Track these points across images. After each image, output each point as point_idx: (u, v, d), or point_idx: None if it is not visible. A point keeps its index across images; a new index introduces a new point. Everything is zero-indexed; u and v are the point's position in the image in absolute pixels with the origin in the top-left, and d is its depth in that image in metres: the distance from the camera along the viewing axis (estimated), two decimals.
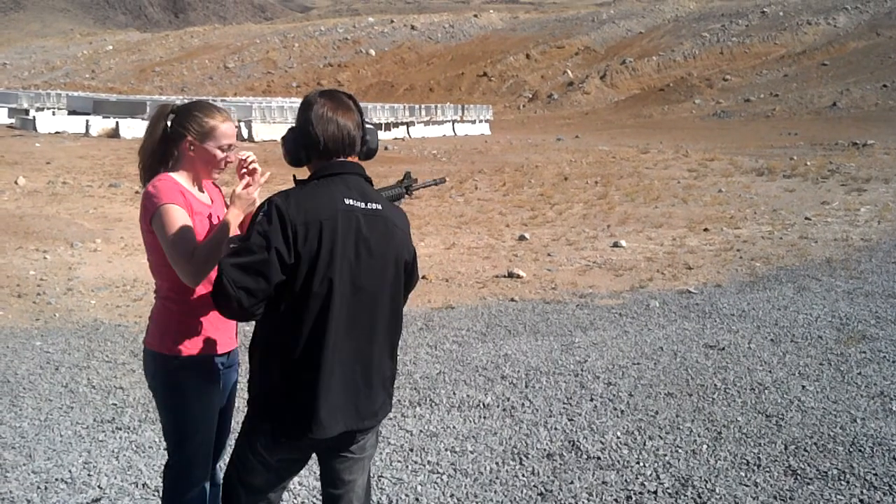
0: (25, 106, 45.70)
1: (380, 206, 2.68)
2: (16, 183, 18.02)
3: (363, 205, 2.63)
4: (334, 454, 2.77)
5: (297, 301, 2.56)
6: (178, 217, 2.88)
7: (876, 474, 4.52)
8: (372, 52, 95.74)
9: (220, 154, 3.03)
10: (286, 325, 2.58)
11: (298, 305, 2.56)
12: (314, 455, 2.85)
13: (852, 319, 7.78)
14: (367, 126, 2.75)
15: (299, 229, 2.52)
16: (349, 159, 2.71)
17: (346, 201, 2.61)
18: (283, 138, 2.75)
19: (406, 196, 3.36)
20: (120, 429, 5.13)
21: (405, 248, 2.75)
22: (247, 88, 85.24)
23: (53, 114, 43.85)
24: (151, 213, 2.89)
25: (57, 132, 36.85)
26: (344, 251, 2.57)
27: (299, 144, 2.69)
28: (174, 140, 3.03)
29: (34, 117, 40.16)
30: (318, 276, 2.54)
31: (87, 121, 37.37)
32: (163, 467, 3.14)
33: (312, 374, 2.58)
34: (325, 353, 2.57)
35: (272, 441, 2.66)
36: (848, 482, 4.43)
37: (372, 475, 4.45)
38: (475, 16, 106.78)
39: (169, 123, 3.05)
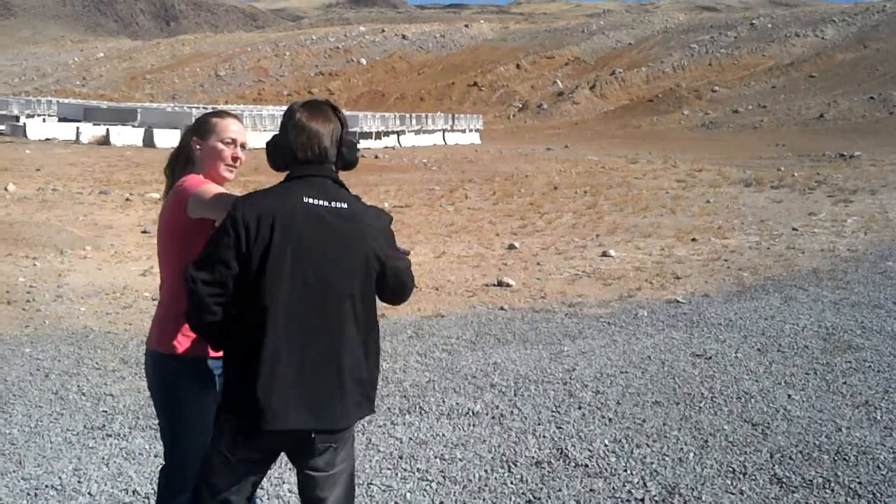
0: (16, 112, 45.64)
1: (346, 205, 2.67)
2: (5, 190, 17.99)
3: (326, 203, 2.65)
4: (302, 464, 2.74)
5: (251, 294, 2.60)
6: (213, 187, 3.02)
7: (860, 482, 4.57)
8: (363, 61, 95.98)
9: (222, 147, 3.13)
10: (243, 318, 2.62)
11: (253, 298, 2.60)
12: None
13: (838, 329, 7.85)
14: (347, 139, 2.76)
15: (251, 223, 2.58)
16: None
17: (306, 199, 2.63)
18: (265, 144, 2.81)
19: None
20: (110, 436, 5.14)
21: (377, 246, 2.70)
22: (238, 96, 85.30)
23: (44, 120, 43.83)
24: (186, 199, 2.98)
25: (47, 139, 36.83)
26: (299, 246, 2.59)
27: (276, 152, 2.76)
28: (187, 145, 3.19)
29: (24, 124, 40.17)
30: (271, 270, 2.57)
31: (78, 128, 37.35)
32: (156, 473, 3.17)
33: (265, 366, 2.58)
34: (278, 345, 2.59)
35: (233, 440, 2.68)
36: (833, 490, 4.48)
37: (361, 483, 4.48)
38: (466, 26, 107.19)
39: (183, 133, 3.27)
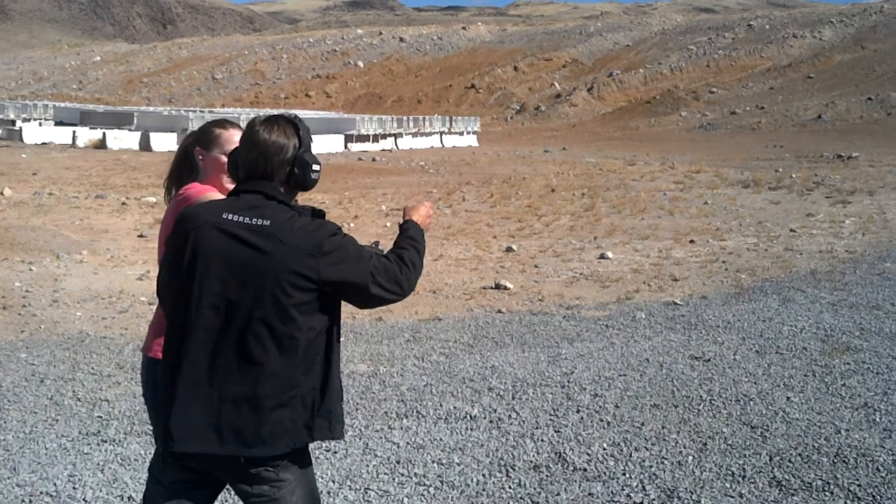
0: (12, 117, 45.54)
1: (267, 223, 2.53)
2: (1, 194, 17.95)
3: (246, 219, 2.54)
4: (239, 491, 2.63)
5: (170, 310, 2.58)
6: (216, 195, 3.03)
7: (860, 485, 4.55)
8: (360, 63, 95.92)
9: (225, 160, 3.09)
10: (168, 331, 2.60)
11: (171, 315, 2.57)
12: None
13: (837, 331, 7.83)
14: (302, 158, 2.64)
15: (176, 240, 2.59)
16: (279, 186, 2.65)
17: (224, 215, 2.56)
18: (228, 155, 2.78)
19: None
20: (105, 441, 5.11)
21: (298, 264, 2.50)
22: (235, 100, 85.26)
23: (40, 124, 43.73)
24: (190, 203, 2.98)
25: (44, 143, 36.75)
26: (209, 265, 2.52)
27: (233, 164, 2.71)
28: (189, 154, 3.23)
29: (21, 128, 40.06)
30: (185, 287, 2.53)
31: (74, 132, 37.30)
32: None
33: (172, 387, 2.53)
34: (184, 366, 2.52)
35: (162, 461, 2.62)
36: (832, 493, 4.46)
37: (358, 489, 4.45)
38: (464, 28, 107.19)
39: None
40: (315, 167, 2.67)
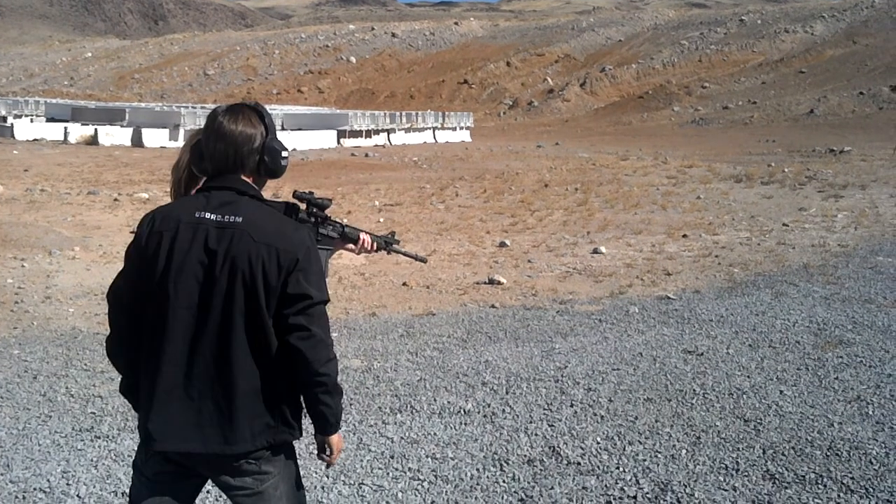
0: (3, 113, 45.37)
1: (240, 219, 2.51)
2: None
3: (218, 217, 2.51)
4: (221, 484, 2.62)
5: (148, 311, 2.54)
6: None
7: (853, 478, 4.57)
8: (353, 59, 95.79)
9: None
10: (145, 332, 2.56)
11: (148, 316, 2.54)
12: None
13: (829, 325, 7.86)
14: (271, 146, 2.62)
15: (148, 240, 2.54)
16: (247, 178, 2.63)
17: (197, 214, 2.53)
18: (191, 146, 2.72)
19: (384, 251, 3.40)
20: (99, 437, 5.10)
21: (262, 264, 2.47)
22: (227, 95, 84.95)
23: (31, 121, 43.61)
24: None
25: (35, 139, 36.65)
26: (184, 264, 2.49)
27: (196, 156, 2.66)
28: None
29: (12, 124, 39.95)
30: (159, 288, 2.50)
31: (66, 128, 37.18)
32: None
33: (152, 387, 2.52)
34: (162, 365, 2.50)
35: (144, 452, 2.61)
36: (825, 486, 4.48)
37: (352, 483, 4.45)
38: (456, 23, 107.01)
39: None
40: (284, 154, 2.65)
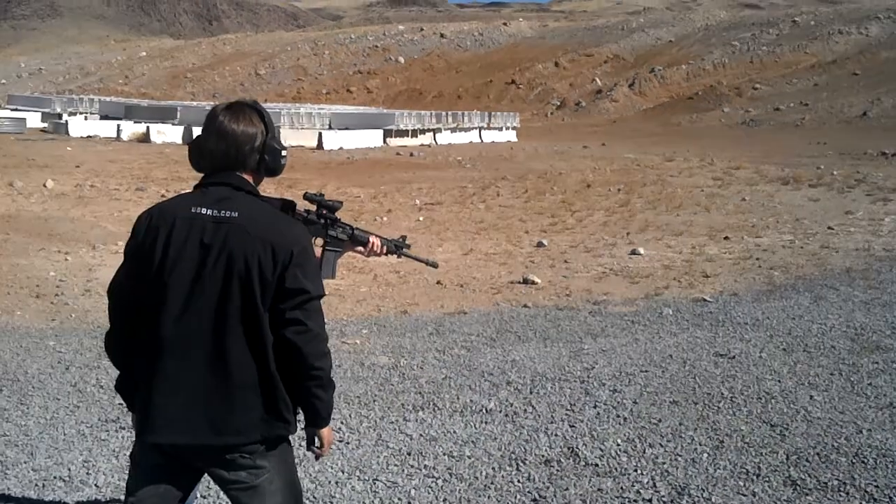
0: (58, 110, 46.41)
1: (236, 214, 2.53)
2: (44, 186, 18.29)
3: (214, 212, 2.54)
4: (216, 477, 2.63)
5: (146, 304, 2.55)
6: None
7: (877, 486, 4.45)
8: (401, 59, 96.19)
9: None
10: (142, 326, 2.58)
11: (146, 308, 2.55)
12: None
13: (867, 330, 7.67)
14: (271, 145, 2.65)
15: (146, 235, 2.56)
16: (246, 176, 2.65)
17: (194, 209, 2.55)
18: (189, 144, 2.74)
19: (394, 254, 3.42)
20: (123, 428, 5.17)
21: (257, 259, 2.49)
22: (277, 95, 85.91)
23: (86, 118, 44.55)
24: None
25: (89, 136, 37.43)
26: (180, 258, 2.51)
27: (195, 154, 2.68)
28: None
29: (66, 122, 40.82)
30: (157, 281, 2.52)
31: (119, 125, 37.96)
32: None
33: (149, 378, 2.54)
34: (157, 357, 2.52)
35: (140, 442, 2.63)
36: (847, 493, 4.37)
37: (367, 479, 4.46)
38: (505, 24, 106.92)
39: None
40: (283, 153, 2.70)
